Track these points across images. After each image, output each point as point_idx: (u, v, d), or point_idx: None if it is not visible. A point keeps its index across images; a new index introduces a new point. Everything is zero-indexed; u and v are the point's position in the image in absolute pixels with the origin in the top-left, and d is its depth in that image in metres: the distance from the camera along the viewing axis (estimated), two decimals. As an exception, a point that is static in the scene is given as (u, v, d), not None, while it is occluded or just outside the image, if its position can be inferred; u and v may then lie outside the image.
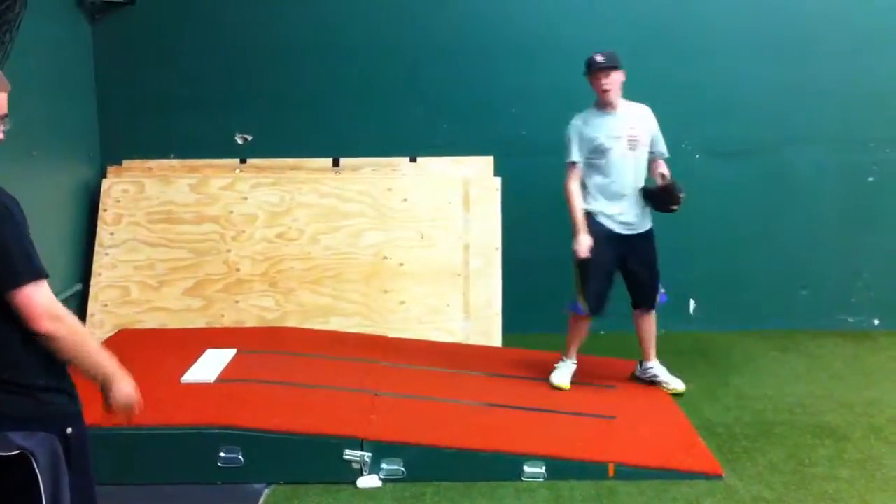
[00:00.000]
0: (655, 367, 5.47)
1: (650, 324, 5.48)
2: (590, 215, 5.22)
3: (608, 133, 5.19)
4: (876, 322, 6.89)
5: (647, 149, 5.29)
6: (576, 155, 5.24)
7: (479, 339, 6.18)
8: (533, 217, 6.71)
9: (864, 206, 6.83)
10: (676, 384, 5.40)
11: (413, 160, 6.72)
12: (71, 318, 2.39)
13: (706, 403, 5.28)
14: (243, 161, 6.75)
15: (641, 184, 5.28)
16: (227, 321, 6.24)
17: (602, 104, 5.24)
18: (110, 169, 6.65)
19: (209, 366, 5.15)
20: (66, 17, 6.38)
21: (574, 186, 5.24)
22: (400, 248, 6.37)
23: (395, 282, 6.31)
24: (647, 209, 5.30)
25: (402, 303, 6.27)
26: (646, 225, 5.32)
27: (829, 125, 6.76)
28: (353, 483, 4.24)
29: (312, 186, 6.49)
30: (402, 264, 6.33)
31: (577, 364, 5.44)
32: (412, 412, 4.71)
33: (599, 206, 5.21)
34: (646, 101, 6.68)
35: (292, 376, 5.06)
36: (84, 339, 2.44)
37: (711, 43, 6.69)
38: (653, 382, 5.43)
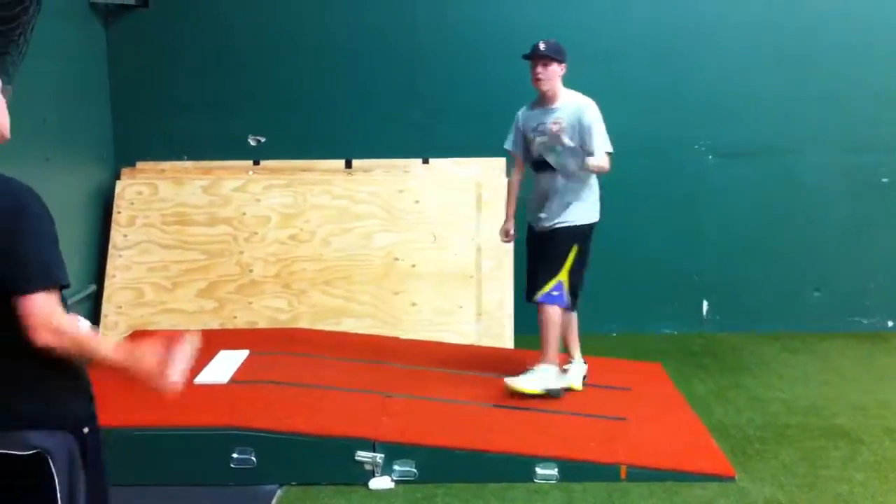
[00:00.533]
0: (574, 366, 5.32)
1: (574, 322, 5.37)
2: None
3: (534, 126, 5.11)
4: (889, 324, 6.87)
5: (573, 145, 5.02)
6: (510, 143, 5.25)
7: (490, 340, 6.18)
8: (545, 218, 6.72)
9: (877, 207, 6.80)
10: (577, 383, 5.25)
11: (425, 162, 6.73)
12: (73, 330, 2.29)
13: (719, 405, 5.27)
14: (256, 163, 6.77)
15: (568, 181, 5.08)
16: (240, 322, 6.26)
17: (539, 96, 5.12)
18: (124, 171, 6.68)
19: (222, 367, 5.16)
20: (79, 20, 6.41)
21: (515, 177, 5.32)
22: (412, 249, 6.37)
23: (407, 283, 6.32)
24: (574, 205, 5.11)
25: (414, 304, 6.28)
26: (556, 221, 5.10)
27: (842, 126, 6.74)
28: (366, 484, 4.25)
29: (325, 188, 6.50)
30: (413, 266, 6.34)
31: (594, 366, 5.39)
32: (424, 413, 4.71)
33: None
34: (659, 103, 6.73)
35: (305, 377, 5.08)
36: (89, 347, 2.34)
37: (724, 46, 6.69)
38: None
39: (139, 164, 6.76)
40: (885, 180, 6.79)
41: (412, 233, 6.40)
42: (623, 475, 4.25)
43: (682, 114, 6.75)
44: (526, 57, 5.05)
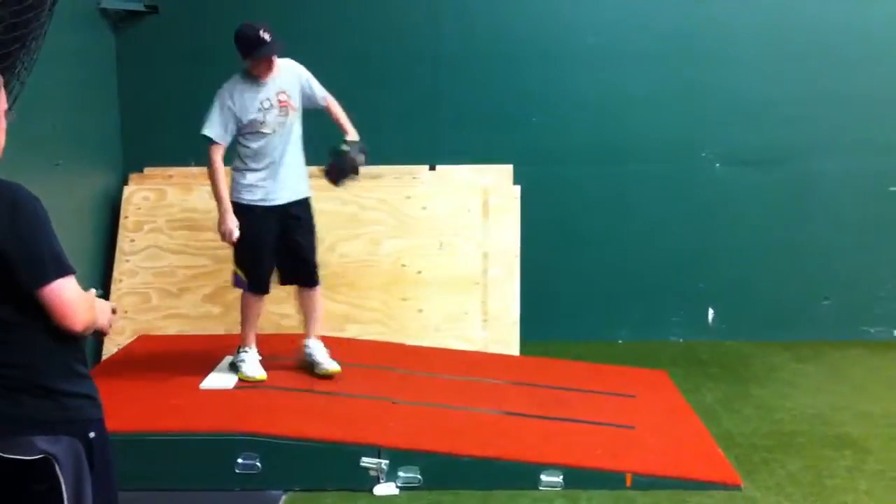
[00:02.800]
0: (312, 347, 5.27)
1: (317, 300, 5.32)
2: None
3: (260, 105, 4.97)
4: (897, 333, 6.85)
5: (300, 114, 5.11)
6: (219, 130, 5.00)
7: (497, 347, 6.17)
8: (552, 225, 6.73)
9: (887, 215, 6.76)
10: (331, 365, 5.19)
11: (432, 168, 6.73)
12: (97, 304, 2.47)
13: (725, 413, 5.25)
14: (264, 169, 6.77)
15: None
16: (247, 328, 6.26)
17: (254, 77, 5.01)
18: (132, 176, 6.70)
19: (228, 372, 5.17)
20: (89, 26, 6.44)
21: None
22: (419, 255, 6.38)
23: (414, 289, 6.32)
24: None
25: (421, 311, 6.28)
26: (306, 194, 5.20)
27: (850, 133, 6.71)
28: (370, 490, 4.25)
29: (332, 194, 6.49)
30: (420, 272, 6.34)
31: (597, 374, 5.40)
32: (430, 420, 4.71)
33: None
34: (666, 108, 6.73)
35: (310, 383, 5.08)
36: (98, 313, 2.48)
37: (733, 51, 6.67)
38: (312, 364, 5.23)
39: (147, 170, 6.78)
40: (893, 189, 6.76)
41: (419, 239, 6.41)
42: (628, 483, 4.24)
43: (689, 121, 6.75)
44: (254, 54, 4.90)
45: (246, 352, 5.17)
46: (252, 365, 5.14)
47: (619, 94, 6.73)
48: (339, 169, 5.17)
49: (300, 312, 5.38)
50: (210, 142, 4.99)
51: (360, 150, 5.20)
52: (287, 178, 5.10)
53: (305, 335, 5.31)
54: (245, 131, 5.00)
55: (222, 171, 5.01)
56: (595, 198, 6.81)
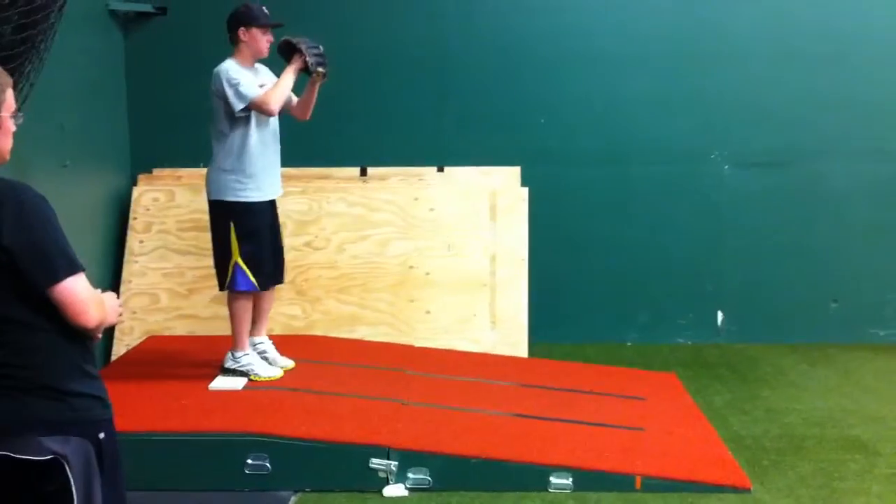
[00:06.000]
0: (266, 343, 5.30)
1: (272, 298, 5.41)
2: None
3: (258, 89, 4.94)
4: (907, 335, 6.82)
5: None
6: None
7: (505, 349, 6.16)
8: (560, 227, 6.72)
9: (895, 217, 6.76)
10: (285, 361, 5.24)
11: (440, 170, 6.73)
12: (106, 301, 2.47)
13: (735, 416, 5.24)
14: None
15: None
16: (255, 329, 6.27)
17: (251, 60, 5.04)
18: (141, 177, 6.71)
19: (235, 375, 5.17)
20: (98, 27, 6.45)
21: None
22: (427, 257, 6.37)
23: (422, 291, 6.32)
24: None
25: (429, 312, 6.28)
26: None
27: (860, 136, 6.70)
28: (380, 492, 4.25)
29: (340, 195, 6.51)
30: (428, 274, 6.34)
31: (606, 376, 5.39)
32: (438, 422, 4.71)
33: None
34: (675, 110, 6.73)
35: (319, 384, 5.08)
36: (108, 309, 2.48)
37: (742, 54, 6.67)
38: (264, 359, 5.21)
39: (156, 171, 6.79)
40: (902, 191, 6.76)
41: (427, 241, 6.40)
42: (638, 485, 4.22)
43: (699, 123, 6.74)
44: (259, 23, 4.97)
45: (247, 354, 5.13)
46: (262, 365, 5.14)
47: (627, 96, 6.73)
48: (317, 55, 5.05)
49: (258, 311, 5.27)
50: (255, 103, 4.86)
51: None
52: (276, 173, 5.15)
53: (257, 333, 5.27)
54: (242, 116, 4.91)
55: (270, 90, 4.91)
56: (603, 200, 6.81)
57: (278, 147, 5.16)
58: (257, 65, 5.12)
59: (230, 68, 4.93)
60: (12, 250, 2.27)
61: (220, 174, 4.99)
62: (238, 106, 4.85)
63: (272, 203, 5.15)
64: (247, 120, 4.93)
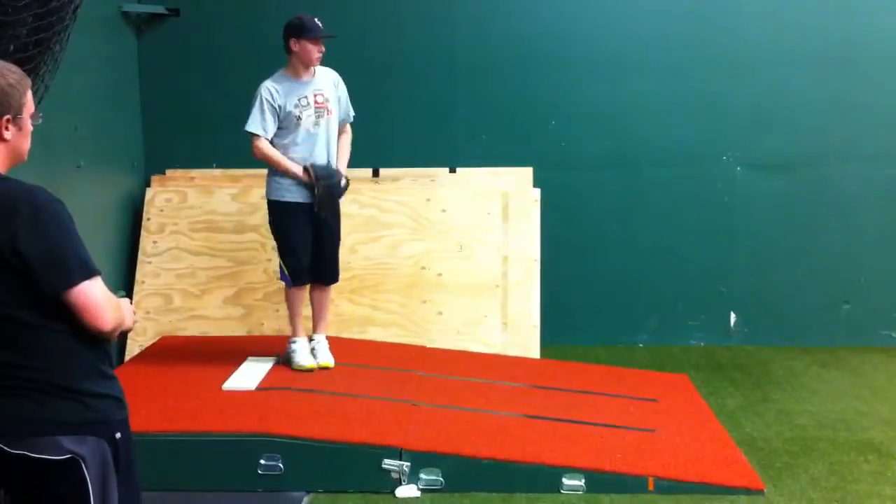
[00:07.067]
0: (317, 342, 5.46)
1: (328, 297, 5.57)
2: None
3: (297, 101, 5.14)
4: (920, 338, 6.80)
5: (336, 117, 5.30)
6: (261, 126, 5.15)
7: (516, 350, 6.17)
8: (572, 229, 6.73)
9: (910, 219, 6.74)
10: (325, 358, 5.37)
11: (452, 171, 6.74)
12: (122, 307, 2.47)
13: (747, 418, 5.23)
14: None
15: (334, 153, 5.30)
16: (267, 329, 6.29)
17: (300, 71, 5.17)
18: (154, 179, 6.74)
19: (250, 373, 5.19)
20: (112, 29, 6.48)
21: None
22: (439, 258, 6.38)
23: (434, 293, 6.32)
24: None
25: (441, 314, 6.29)
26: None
27: (872, 139, 6.69)
28: (392, 493, 4.26)
29: (352, 197, 6.49)
30: (440, 275, 6.35)
31: (618, 377, 5.39)
32: (450, 423, 4.71)
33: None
34: (686, 113, 6.72)
35: (332, 385, 5.09)
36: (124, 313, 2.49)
37: (753, 57, 6.65)
38: (312, 354, 5.41)
39: (169, 172, 6.81)
40: (915, 192, 6.73)
41: (439, 242, 6.41)
42: (650, 487, 4.23)
43: (711, 125, 6.73)
44: (305, 35, 5.07)
45: (295, 342, 5.39)
46: (302, 354, 5.35)
47: (637, 99, 6.72)
48: (329, 195, 5.23)
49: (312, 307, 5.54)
50: (254, 136, 5.15)
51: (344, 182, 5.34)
52: None
53: (314, 330, 5.48)
54: (282, 125, 5.15)
55: (271, 147, 5.16)
56: (614, 202, 6.81)
57: (328, 151, 5.24)
58: (318, 71, 5.22)
59: (268, 87, 5.15)
60: (28, 255, 2.28)
61: (268, 175, 5.29)
62: (246, 125, 5.15)
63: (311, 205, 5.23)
64: (288, 127, 5.15)
